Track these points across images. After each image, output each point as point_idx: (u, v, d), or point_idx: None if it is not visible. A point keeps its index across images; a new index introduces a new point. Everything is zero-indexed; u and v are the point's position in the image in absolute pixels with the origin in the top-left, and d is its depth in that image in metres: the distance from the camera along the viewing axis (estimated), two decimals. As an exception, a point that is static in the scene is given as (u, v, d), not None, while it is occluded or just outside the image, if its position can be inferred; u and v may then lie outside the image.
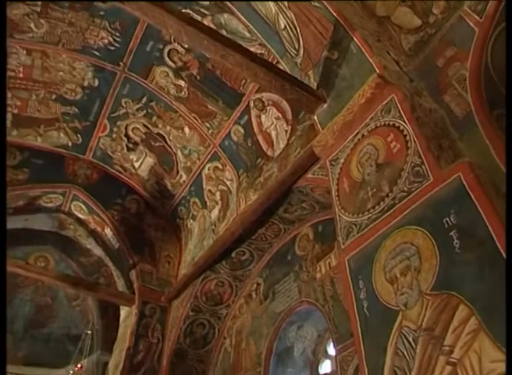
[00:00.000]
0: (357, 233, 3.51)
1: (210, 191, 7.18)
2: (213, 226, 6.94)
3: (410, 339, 2.71)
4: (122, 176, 7.88)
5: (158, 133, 7.29)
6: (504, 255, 2.44)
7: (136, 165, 7.74)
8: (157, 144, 7.38)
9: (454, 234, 2.75)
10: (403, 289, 2.90)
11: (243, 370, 5.92)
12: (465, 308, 2.49)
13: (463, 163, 2.96)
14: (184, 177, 7.48)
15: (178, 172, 7.48)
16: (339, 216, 3.80)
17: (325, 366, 5.50)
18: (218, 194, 7.04)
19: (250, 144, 6.46)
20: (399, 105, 3.67)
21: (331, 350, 5.53)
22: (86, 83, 6.81)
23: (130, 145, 7.53)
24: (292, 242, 6.20)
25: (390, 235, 3.18)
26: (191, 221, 7.67)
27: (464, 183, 2.85)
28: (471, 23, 3.62)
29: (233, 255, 6.51)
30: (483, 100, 3.42)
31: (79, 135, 7.52)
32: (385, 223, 3.27)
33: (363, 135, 3.91)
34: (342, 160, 4.05)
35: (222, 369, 6.42)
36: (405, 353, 2.70)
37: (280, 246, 6.37)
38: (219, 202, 6.98)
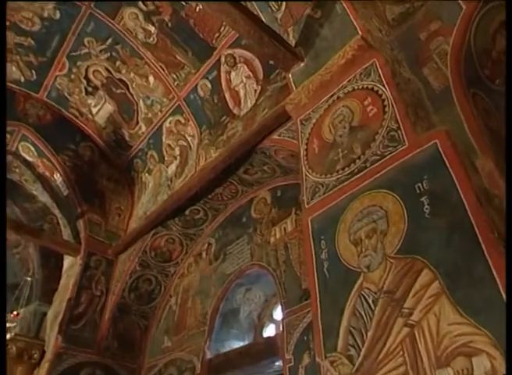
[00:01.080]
0: (324, 193, 3.36)
1: (169, 145, 6.81)
2: (169, 182, 6.62)
3: (370, 301, 2.61)
4: (78, 121, 7.31)
5: (121, 80, 6.76)
6: (474, 222, 2.37)
7: (94, 110, 7.19)
8: (118, 90, 6.86)
9: (425, 200, 2.65)
10: (367, 251, 2.80)
11: (187, 329, 5.76)
12: (429, 273, 2.42)
13: (441, 131, 2.86)
14: (143, 129, 7.04)
15: (138, 122, 7.03)
16: (306, 175, 3.63)
17: (269, 330, 5.44)
18: (177, 149, 6.69)
19: (216, 101, 6.13)
20: (379, 70, 3.51)
21: (276, 315, 5.49)
22: (45, 14, 6.13)
23: (89, 89, 6.95)
24: (248, 205, 6.01)
25: (358, 197, 3.06)
26: (146, 175, 7.29)
27: (440, 150, 2.75)
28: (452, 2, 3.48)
29: (187, 212, 6.24)
30: (462, 77, 3.31)
31: (33, 71, 6.83)
32: (354, 185, 3.14)
33: (338, 97, 3.74)
34: (314, 120, 3.86)
35: (166, 326, 6.23)
36: (363, 314, 2.61)
37: (236, 208, 6.16)
38: (178, 158, 6.64)
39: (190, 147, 6.45)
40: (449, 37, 3.41)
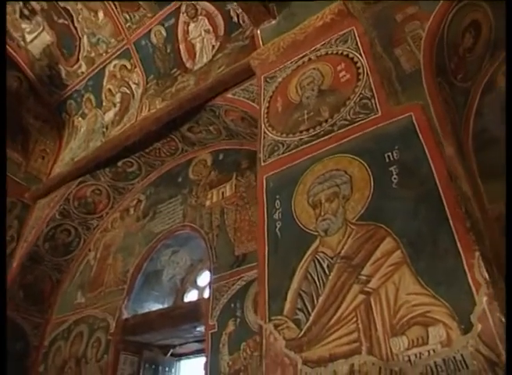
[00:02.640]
0: (283, 152, 3.11)
1: (110, 90, 6.13)
2: (104, 129, 5.97)
3: (325, 265, 2.42)
4: (7, 46, 6.31)
5: (65, 9, 5.92)
6: (443, 196, 2.25)
7: (28, 38, 6.24)
8: (60, 20, 6.00)
9: (394, 170, 2.51)
10: (326, 215, 2.59)
11: (104, 286, 5.24)
12: (391, 242, 2.27)
13: (417, 105, 2.73)
14: (84, 68, 6.27)
15: (78, 60, 6.23)
16: (265, 132, 3.36)
17: (191, 296, 5.13)
18: (118, 95, 6.04)
19: (168, 51, 5.60)
20: (357, 38, 3.35)
21: (200, 281, 5.19)
22: None
23: (26, 11, 6.01)
24: (187, 164, 5.58)
25: (322, 160, 2.85)
26: (79, 119, 6.53)
27: (415, 123, 2.62)
28: None
29: (120, 164, 5.66)
30: (433, 63, 3.21)
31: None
32: (318, 148, 2.92)
33: (310, 59, 3.49)
34: (280, 79, 3.58)
35: (80, 282, 5.62)
36: (316, 278, 2.41)
37: (173, 166, 5.70)
38: (118, 105, 6.00)
39: (133, 95, 5.85)
40: (425, 22, 3.31)
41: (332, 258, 2.42)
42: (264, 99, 3.57)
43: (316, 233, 2.57)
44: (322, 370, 2.08)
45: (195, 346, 4.56)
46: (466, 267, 1.99)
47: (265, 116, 3.46)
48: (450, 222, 2.15)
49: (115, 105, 6.03)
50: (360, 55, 3.19)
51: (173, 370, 4.60)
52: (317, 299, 2.32)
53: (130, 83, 5.92)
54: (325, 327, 2.20)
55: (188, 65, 5.42)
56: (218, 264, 4.40)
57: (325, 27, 3.49)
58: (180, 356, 4.74)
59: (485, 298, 1.88)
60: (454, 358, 1.82)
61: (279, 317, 2.39)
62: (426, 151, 2.45)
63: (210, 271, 4.50)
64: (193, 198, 5.21)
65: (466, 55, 3.57)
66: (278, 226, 2.78)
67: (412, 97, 2.96)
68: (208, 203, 5.00)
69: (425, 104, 2.85)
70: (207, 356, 3.90)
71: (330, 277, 2.35)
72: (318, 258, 2.47)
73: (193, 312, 4.21)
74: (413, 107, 2.71)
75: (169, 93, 5.32)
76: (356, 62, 3.18)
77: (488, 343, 1.78)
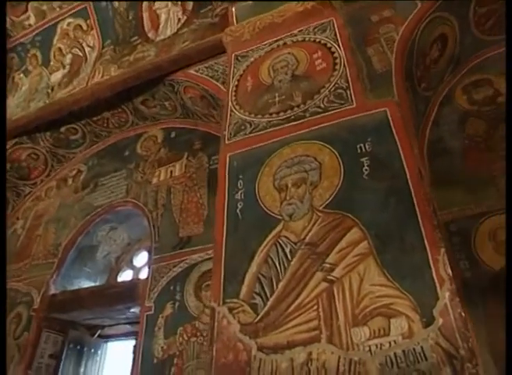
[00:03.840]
0: (251, 132, 2.96)
1: (60, 49, 5.58)
2: (49, 90, 5.41)
3: (287, 250, 2.31)
4: None
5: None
6: (413, 192, 2.23)
7: (-30, -23, 5.54)
8: (11, -37, 5.39)
9: (366, 161, 2.46)
10: (292, 200, 2.49)
11: (31, 258, 4.74)
12: (358, 232, 2.21)
13: (392, 101, 2.71)
14: (32, 21, 5.65)
15: (27, 11, 5.60)
16: (232, 110, 3.19)
17: (125, 276, 4.82)
18: (69, 56, 5.52)
19: (130, 18, 5.21)
20: (336, 29, 3.29)
21: (136, 261, 4.90)
22: None
23: None
24: (136, 139, 5.24)
25: (291, 144, 2.74)
26: (22, 75, 5.87)
27: (389, 118, 2.59)
28: None
29: (63, 129, 5.18)
30: (403, 67, 3.22)
31: None
32: (288, 132, 2.81)
33: (285, 43, 3.38)
34: (252, 59, 3.43)
35: (3, 250, 5.08)
36: (277, 263, 2.29)
37: (120, 139, 5.32)
38: (67, 67, 5.47)
39: (86, 58, 5.37)
40: (399, 27, 3.33)
41: (295, 244, 2.31)
42: (233, 77, 3.40)
43: (280, 217, 2.45)
44: (278, 357, 1.97)
45: (126, 328, 4.28)
46: (431, 263, 1.98)
47: (233, 93, 3.29)
48: (419, 218, 2.13)
49: (64, 67, 5.50)
50: (339, 46, 3.14)
51: (99, 352, 4.27)
52: (277, 284, 2.21)
53: (84, 45, 5.43)
54: (283, 313, 2.09)
55: (150, 35, 5.07)
56: (160, 244, 4.15)
57: (305, 14, 3.39)
58: (108, 338, 4.42)
59: (447, 294, 1.87)
60: (414, 350, 1.79)
61: (235, 300, 2.25)
62: (399, 146, 2.42)
63: (150, 251, 4.24)
64: (139, 173, 4.90)
65: (431, 65, 3.64)
66: (239, 206, 2.63)
67: (380, 96, 2.94)
68: (154, 181, 4.72)
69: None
70: (137, 339, 3.66)
71: (292, 263, 2.24)
72: (281, 242, 2.35)
73: (129, 293, 3.93)
74: (388, 103, 2.68)
75: (127, 61, 4.94)
76: (333, 53, 3.11)
77: (448, 337, 1.78)
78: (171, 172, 4.74)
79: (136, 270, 4.80)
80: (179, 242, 4.08)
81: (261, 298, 2.19)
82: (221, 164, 2.90)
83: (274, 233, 2.40)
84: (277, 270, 2.25)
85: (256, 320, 2.13)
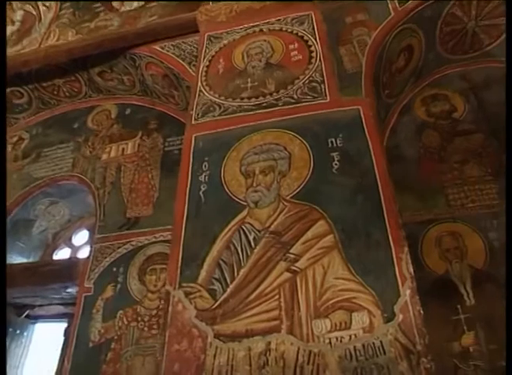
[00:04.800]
0: (219, 115, 2.85)
1: (11, 4, 5.08)
2: (-7, 46, 4.91)
3: (251, 237, 2.23)
4: None
5: None
6: (381, 190, 2.25)
7: None
8: None
9: (336, 156, 2.44)
10: (259, 187, 2.42)
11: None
12: (325, 225, 2.19)
13: (366, 100, 2.73)
14: (-18, -32, 5.10)
15: (-24, -44, 5.06)
16: (201, 90, 3.05)
17: (62, 254, 4.49)
18: (20, 13, 5.01)
19: (95, -18, 4.86)
20: (315, 24, 3.25)
21: (76, 240, 4.59)
22: None
23: None
24: (87, 111, 4.87)
25: (261, 131, 2.67)
26: (-38, 26, 5.28)
27: (362, 116, 2.60)
28: (390, 5, 3.49)
29: (7, 91, 4.71)
30: (373, 71, 3.26)
31: None
32: (259, 118, 2.74)
33: (261, 30, 3.30)
34: (225, 41, 3.31)
35: None
36: (239, 249, 2.20)
37: (71, 109, 4.92)
38: (17, 24, 4.96)
39: (40, 18, 4.91)
40: (372, 32, 3.37)
41: (259, 232, 2.24)
42: (204, 57, 3.27)
43: (245, 203, 2.37)
44: (236, 345, 1.88)
45: (58, 309, 3.96)
46: (395, 260, 1.99)
47: (204, 74, 3.15)
48: (385, 216, 2.14)
49: (13, 23, 4.99)
50: (316, 40, 3.11)
51: (26, 333, 3.93)
52: (238, 271, 2.12)
53: (39, 3, 4.98)
54: (243, 301, 2.01)
55: (115, 4, 4.73)
56: (105, 223, 3.90)
57: (285, 4, 3.33)
58: (37, 319, 4.08)
59: (408, 291, 1.90)
60: (374, 344, 1.79)
61: (192, 285, 2.13)
62: (370, 145, 2.43)
63: (92, 230, 3.98)
64: (88, 148, 4.57)
65: (396, 73, 3.72)
66: (203, 188, 2.50)
67: (349, 94, 2.95)
68: (104, 157, 4.43)
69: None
70: (70, 321, 3.41)
71: (255, 251, 2.17)
72: (244, 229, 2.27)
73: (66, 272, 3.64)
74: (362, 101, 2.69)
75: (86, 28, 4.58)
76: (310, 46, 3.08)
77: (406, 332, 1.79)
78: (123, 149, 4.47)
79: (75, 249, 4.48)
80: (126, 223, 3.85)
81: (221, 284, 2.10)
82: (186, 144, 2.76)
83: (238, 219, 2.32)
84: (239, 257, 2.17)
85: (214, 307, 2.03)
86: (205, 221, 2.36)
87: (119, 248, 3.69)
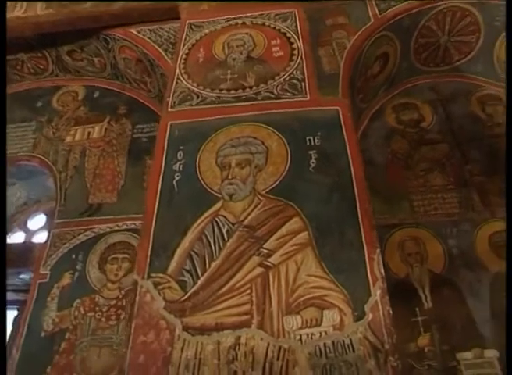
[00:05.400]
0: (197, 105, 2.78)
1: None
2: (-47, 12, 4.54)
3: (224, 230, 2.19)
4: None
5: None
6: (356, 191, 2.27)
7: None
8: None
9: (313, 154, 2.44)
10: (234, 180, 2.37)
11: None
12: (299, 222, 2.18)
13: (345, 101, 2.74)
14: None
15: None
16: (179, 78, 2.97)
17: (16, 239, 4.24)
18: (-15, -20, 4.70)
19: (69, -43, 4.61)
20: (298, 22, 3.25)
21: (31, 224, 4.36)
22: None
23: None
24: (52, 91, 4.62)
25: (239, 124, 2.63)
26: None
27: (341, 117, 2.61)
28: (370, 12, 3.55)
29: (-36, 61, 4.39)
30: (349, 74, 3.29)
31: None
32: (237, 111, 2.70)
33: (244, 23, 3.26)
34: (207, 31, 3.25)
35: None
36: (211, 241, 2.15)
37: (35, 87, 4.65)
38: (-19, -9, 4.66)
39: (7, -12, 4.62)
40: (351, 36, 3.40)
41: (233, 225, 2.19)
42: (184, 45, 3.18)
43: (219, 196, 2.32)
44: (205, 339, 1.83)
45: (9, 295, 3.73)
46: (367, 260, 2.01)
47: (182, 61, 3.07)
48: (359, 216, 2.16)
49: (-24, -10, 4.67)
50: (298, 38, 3.10)
51: (-30, 318, 3.67)
52: (209, 263, 2.07)
53: (7, -28, 4.67)
54: (214, 294, 1.96)
55: (92, -18, 4.53)
56: (65, 208, 3.71)
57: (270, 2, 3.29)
58: (-17, 305, 3.83)
59: (379, 291, 1.92)
60: (343, 341, 1.79)
61: (161, 275, 2.05)
62: (347, 145, 2.45)
63: (50, 215, 3.79)
64: (51, 129, 4.34)
65: (371, 79, 3.79)
66: (176, 177, 2.43)
67: (326, 95, 2.96)
68: (68, 139, 4.22)
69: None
70: (21, 309, 3.23)
71: (228, 244, 2.12)
72: (218, 221, 2.22)
73: (21, 257, 3.44)
74: (341, 102, 2.71)
75: (57, 3, 4.34)
76: (292, 43, 3.07)
77: (375, 331, 1.81)
78: (88, 133, 4.28)
79: (30, 234, 4.26)
80: (88, 209, 3.70)
81: (191, 275, 2.04)
82: (161, 131, 2.66)
83: (211, 210, 2.26)
84: (211, 249, 2.12)
85: (183, 298, 1.96)
86: (178, 211, 2.29)
87: (79, 234, 3.53)
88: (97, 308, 3.10)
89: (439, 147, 3.66)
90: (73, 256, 3.38)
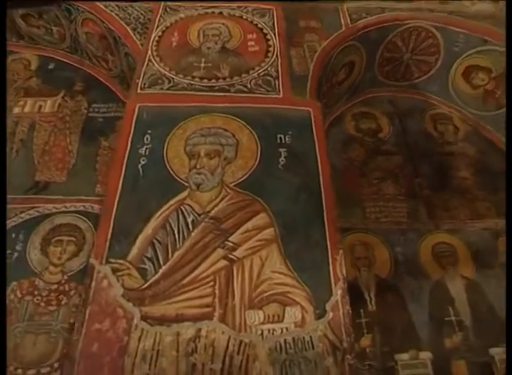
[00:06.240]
0: (168, 89, 2.68)
1: None
2: None
3: (189, 220, 2.12)
4: None
5: None
6: (323, 192, 2.31)
7: None
8: None
9: (283, 152, 2.45)
10: (202, 170, 2.32)
11: None
12: (266, 218, 2.17)
13: (316, 104, 2.78)
14: None
15: None
16: (150, 60, 2.85)
17: None
18: None
19: None
20: (275, 19, 3.23)
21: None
22: None
23: None
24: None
25: (210, 114, 2.57)
26: None
27: (312, 118, 2.63)
28: (342, 20, 3.64)
29: None
30: (318, 77, 3.34)
31: None
32: (209, 101, 2.64)
33: (221, 13, 3.19)
34: (182, 15, 3.15)
35: None
36: (175, 230, 2.08)
37: (-19, 50, 4.29)
38: None
39: None
40: (322, 41, 3.45)
41: (199, 215, 2.14)
42: (158, 26, 3.05)
43: (187, 184, 2.25)
44: (164, 330, 1.76)
45: None
46: (330, 261, 2.04)
47: (155, 43, 2.95)
48: (325, 217, 2.20)
49: None
50: (275, 35, 3.08)
51: None
52: (172, 253, 2.00)
53: None
54: (176, 284, 1.90)
55: None
56: (8, 184, 3.43)
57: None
58: None
59: (340, 291, 1.96)
60: (304, 338, 1.81)
61: (121, 261, 1.95)
62: (316, 147, 2.47)
63: None
64: (-3, 97, 4.00)
65: (336, 85, 3.86)
66: (142, 162, 2.32)
67: (296, 95, 2.98)
68: (16, 110, 3.91)
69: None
70: None
71: (193, 234, 2.07)
72: (183, 210, 2.15)
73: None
74: (313, 104, 2.73)
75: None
76: (268, 40, 3.05)
77: (335, 330, 1.85)
78: (40, 106, 3.98)
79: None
80: (34, 186, 3.44)
81: (153, 263, 1.96)
82: (128, 112, 2.53)
83: (177, 198, 2.19)
84: (175, 238, 2.05)
85: (143, 287, 1.88)
86: (142, 196, 2.19)
87: (22, 212, 3.27)
88: (36, 292, 2.89)
89: (393, 158, 3.81)
90: (13, 235, 3.12)
